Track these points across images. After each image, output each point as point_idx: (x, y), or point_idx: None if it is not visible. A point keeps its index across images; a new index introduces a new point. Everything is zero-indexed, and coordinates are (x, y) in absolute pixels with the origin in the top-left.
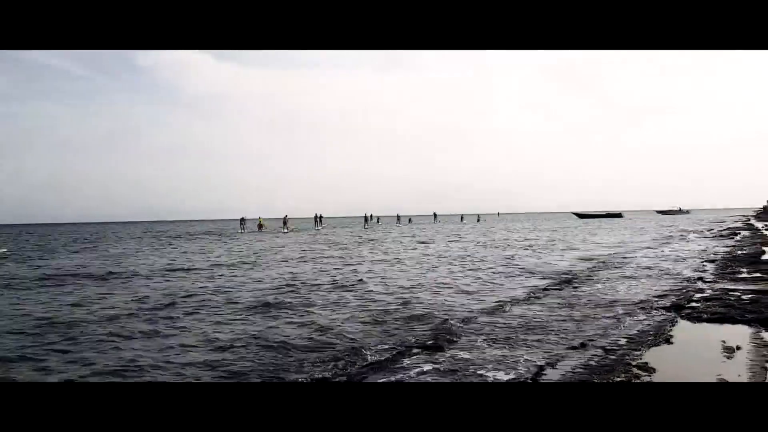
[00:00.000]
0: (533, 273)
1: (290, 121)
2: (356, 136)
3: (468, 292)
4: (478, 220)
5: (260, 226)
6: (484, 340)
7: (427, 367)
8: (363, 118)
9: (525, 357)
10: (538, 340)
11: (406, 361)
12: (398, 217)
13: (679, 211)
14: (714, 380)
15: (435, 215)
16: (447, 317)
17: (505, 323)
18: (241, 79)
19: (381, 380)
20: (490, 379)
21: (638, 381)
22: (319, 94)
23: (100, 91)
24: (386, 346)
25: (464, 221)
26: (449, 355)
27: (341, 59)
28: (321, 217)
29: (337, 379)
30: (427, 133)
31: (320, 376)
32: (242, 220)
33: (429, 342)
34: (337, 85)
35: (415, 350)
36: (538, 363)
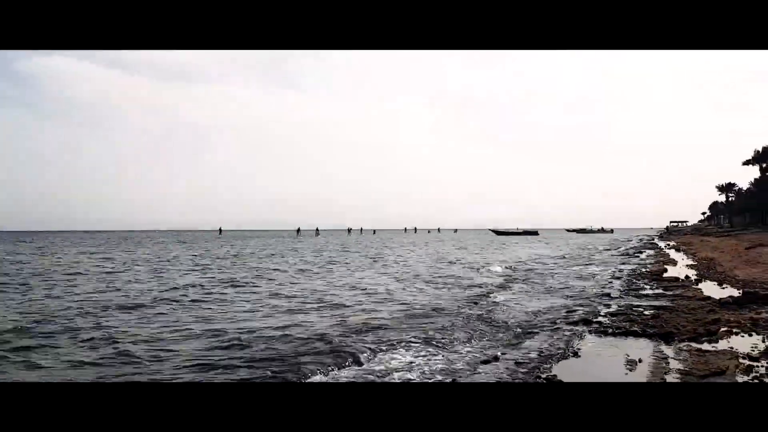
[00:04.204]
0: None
1: (176, 132)
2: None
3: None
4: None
5: None
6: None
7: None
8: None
9: (440, 368)
10: (451, 355)
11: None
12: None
13: (602, 230)
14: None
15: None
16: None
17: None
18: (128, 88)
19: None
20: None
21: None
22: (209, 107)
23: None
24: None
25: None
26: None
27: (237, 73)
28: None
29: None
30: (318, 146)
31: None
32: None
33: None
34: (228, 96)
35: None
36: (451, 377)
